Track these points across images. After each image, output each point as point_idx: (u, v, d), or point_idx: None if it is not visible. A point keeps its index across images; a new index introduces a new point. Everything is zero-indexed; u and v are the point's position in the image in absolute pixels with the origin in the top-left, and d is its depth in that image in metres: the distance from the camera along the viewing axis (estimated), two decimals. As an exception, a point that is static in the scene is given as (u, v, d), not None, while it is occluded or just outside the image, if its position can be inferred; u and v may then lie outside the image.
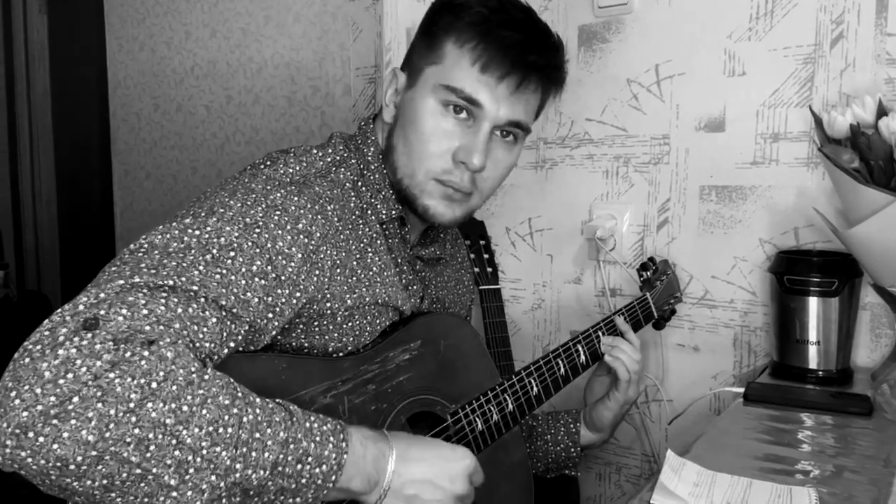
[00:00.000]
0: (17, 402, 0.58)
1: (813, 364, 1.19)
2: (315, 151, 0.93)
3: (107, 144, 2.62)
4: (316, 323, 0.86)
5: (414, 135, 0.91)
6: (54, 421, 0.58)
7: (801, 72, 1.29)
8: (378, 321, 0.92)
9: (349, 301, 0.87)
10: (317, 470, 0.69)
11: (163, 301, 0.67)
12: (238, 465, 0.65)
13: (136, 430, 0.60)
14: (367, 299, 0.89)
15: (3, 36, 3.38)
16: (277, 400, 0.71)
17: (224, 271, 0.73)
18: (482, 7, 0.91)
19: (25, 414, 0.58)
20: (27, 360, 0.60)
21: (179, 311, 0.68)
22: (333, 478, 0.71)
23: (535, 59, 0.92)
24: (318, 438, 0.70)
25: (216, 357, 0.71)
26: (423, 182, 0.92)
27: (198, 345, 0.69)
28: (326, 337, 0.87)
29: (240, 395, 0.67)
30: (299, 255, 0.80)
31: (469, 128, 0.91)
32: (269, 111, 2.12)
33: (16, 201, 3.50)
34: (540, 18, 0.96)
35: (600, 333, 1.15)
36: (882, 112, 1.07)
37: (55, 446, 0.57)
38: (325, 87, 1.98)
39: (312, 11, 1.98)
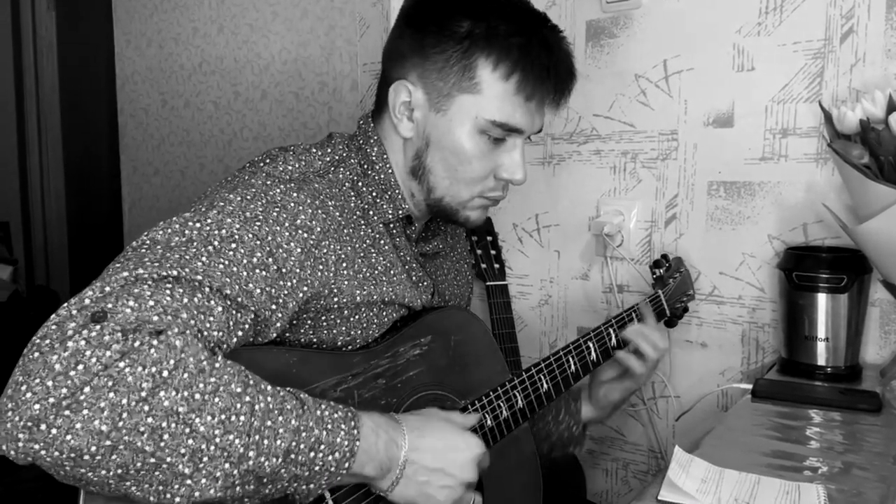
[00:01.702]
0: (28, 395, 0.58)
1: (821, 360, 1.19)
2: (314, 151, 0.93)
3: (115, 140, 2.63)
4: (323, 318, 0.86)
5: (456, 161, 0.93)
6: (66, 412, 0.58)
7: (810, 67, 1.29)
8: (385, 314, 0.93)
9: (358, 298, 0.87)
10: (329, 457, 0.70)
11: (168, 291, 0.67)
12: (251, 453, 0.65)
13: (150, 420, 0.60)
14: (375, 297, 0.89)
15: (11, 32, 3.39)
16: (289, 388, 0.72)
17: (226, 262, 0.73)
18: (518, 35, 0.90)
19: (37, 406, 0.58)
20: (36, 354, 0.60)
21: (185, 300, 0.68)
22: (347, 465, 0.71)
23: (569, 76, 0.96)
24: (329, 426, 0.71)
25: (225, 346, 0.72)
26: (468, 200, 0.97)
27: (206, 334, 0.69)
28: (335, 331, 0.87)
29: (251, 382, 0.68)
30: (298, 250, 0.80)
31: (504, 144, 0.94)
32: (276, 107, 2.12)
33: (24, 197, 3.51)
34: (552, 22, 0.96)
35: (611, 331, 1.14)
36: (892, 107, 1.06)
37: (68, 437, 0.58)
38: (333, 82, 1.98)
39: (319, 7, 1.98)
